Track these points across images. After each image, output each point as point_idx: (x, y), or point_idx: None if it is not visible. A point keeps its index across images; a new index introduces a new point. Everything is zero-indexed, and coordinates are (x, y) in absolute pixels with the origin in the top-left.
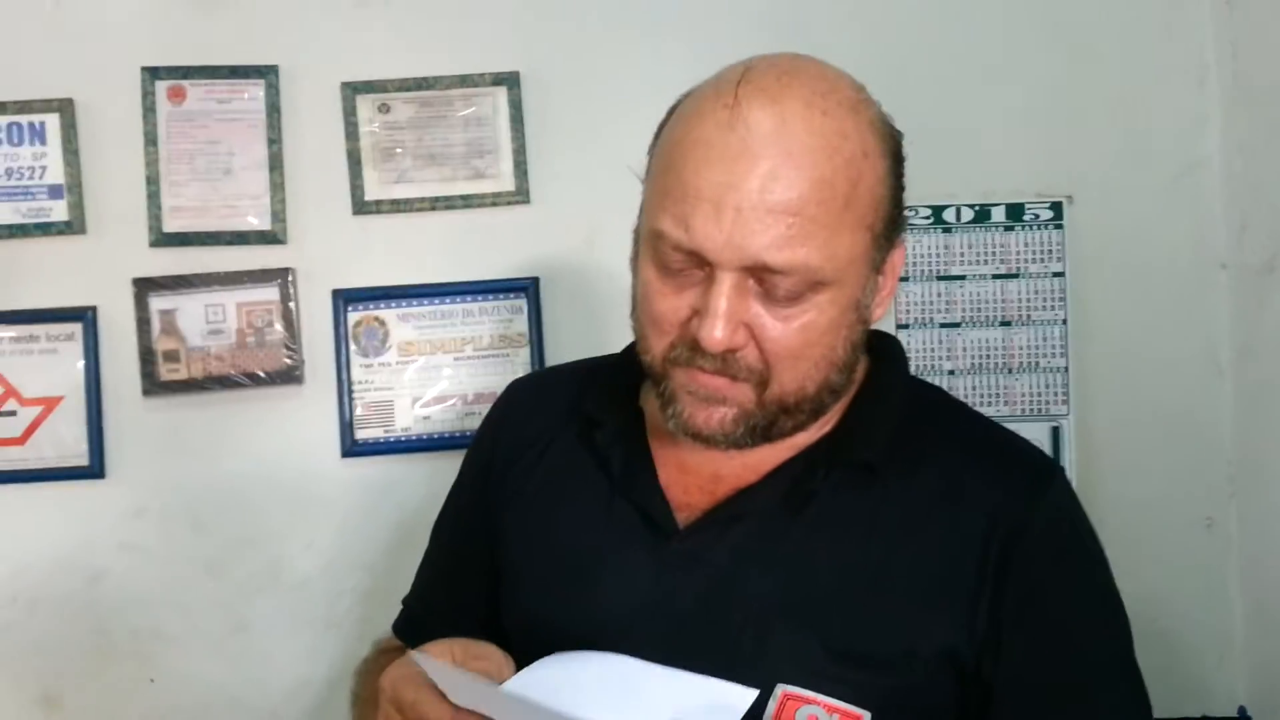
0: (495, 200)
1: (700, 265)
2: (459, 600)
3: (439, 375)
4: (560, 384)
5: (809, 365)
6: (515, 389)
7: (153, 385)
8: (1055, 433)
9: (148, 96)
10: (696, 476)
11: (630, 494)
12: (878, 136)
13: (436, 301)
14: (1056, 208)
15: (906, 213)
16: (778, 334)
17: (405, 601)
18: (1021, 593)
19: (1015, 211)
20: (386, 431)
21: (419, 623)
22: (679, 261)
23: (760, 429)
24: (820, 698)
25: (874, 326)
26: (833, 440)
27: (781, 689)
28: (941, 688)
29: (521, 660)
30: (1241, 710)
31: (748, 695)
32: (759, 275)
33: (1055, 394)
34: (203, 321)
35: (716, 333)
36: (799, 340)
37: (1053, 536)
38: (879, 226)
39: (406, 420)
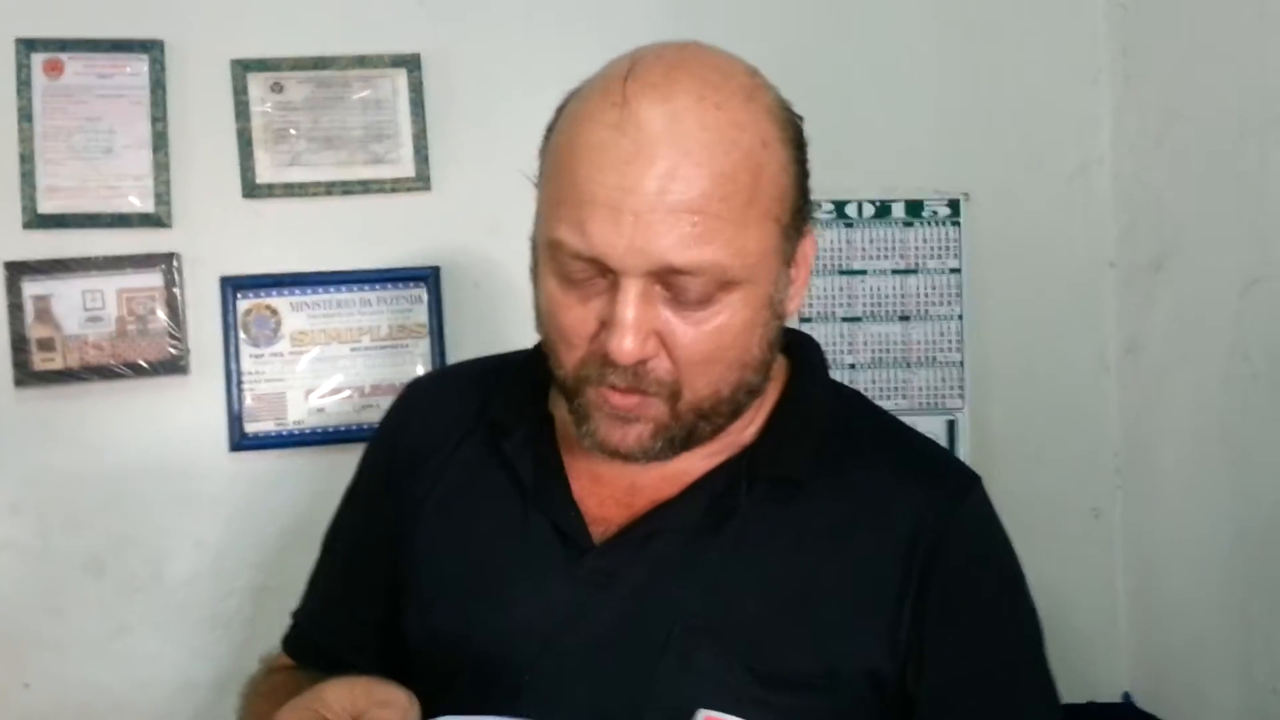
0: (394, 186)
1: (603, 273)
2: (356, 616)
3: (334, 366)
4: (464, 384)
5: (722, 369)
6: (415, 390)
7: (25, 375)
8: (951, 426)
9: (22, 70)
10: (612, 488)
11: (542, 507)
12: (776, 124)
13: (332, 290)
14: (954, 205)
15: (813, 201)
16: (689, 340)
17: (295, 616)
18: (941, 605)
19: (914, 208)
20: (278, 424)
21: (310, 640)
22: (580, 270)
23: (679, 440)
24: None
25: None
26: (755, 453)
27: (704, 714)
28: (865, 705)
29: (428, 683)
30: (1126, 696)
31: None
32: (666, 279)
33: (951, 388)
34: (80, 308)
35: (626, 344)
36: (712, 344)
37: (971, 549)
38: (786, 218)
39: (299, 413)
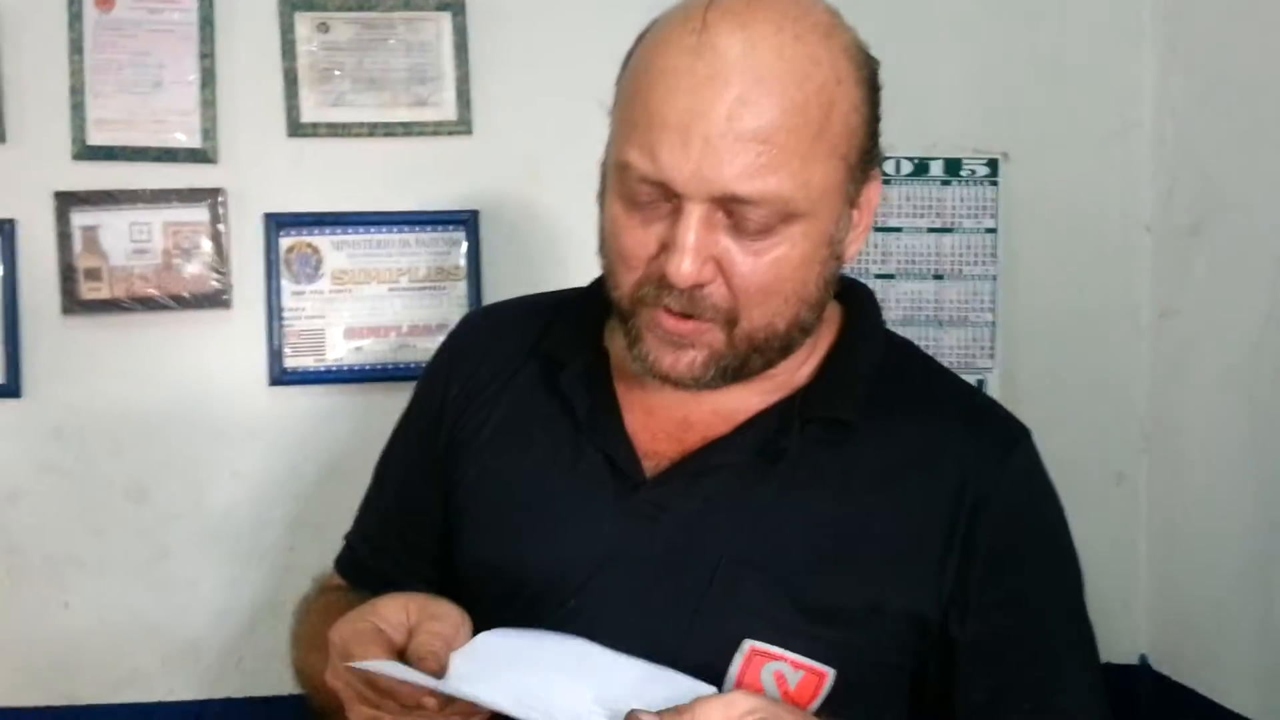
0: (436, 129)
1: (668, 197)
2: (407, 541)
3: (373, 306)
4: (520, 318)
5: (779, 301)
6: (471, 322)
7: (73, 303)
8: (980, 385)
9: (74, 3)
10: (665, 422)
11: (596, 440)
12: (852, 63)
13: (373, 230)
14: (992, 164)
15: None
16: (748, 269)
17: (348, 538)
18: (988, 555)
19: (953, 166)
20: (317, 361)
21: (363, 562)
22: (646, 194)
23: (732, 370)
24: (787, 654)
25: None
26: (807, 394)
27: (749, 644)
28: (905, 645)
29: (477, 610)
30: (1143, 658)
31: (710, 692)
32: (728, 207)
33: (982, 348)
34: (127, 240)
35: (685, 266)
36: (770, 275)
37: (1019, 500)
38: (853, 157)
39: (339, 350)
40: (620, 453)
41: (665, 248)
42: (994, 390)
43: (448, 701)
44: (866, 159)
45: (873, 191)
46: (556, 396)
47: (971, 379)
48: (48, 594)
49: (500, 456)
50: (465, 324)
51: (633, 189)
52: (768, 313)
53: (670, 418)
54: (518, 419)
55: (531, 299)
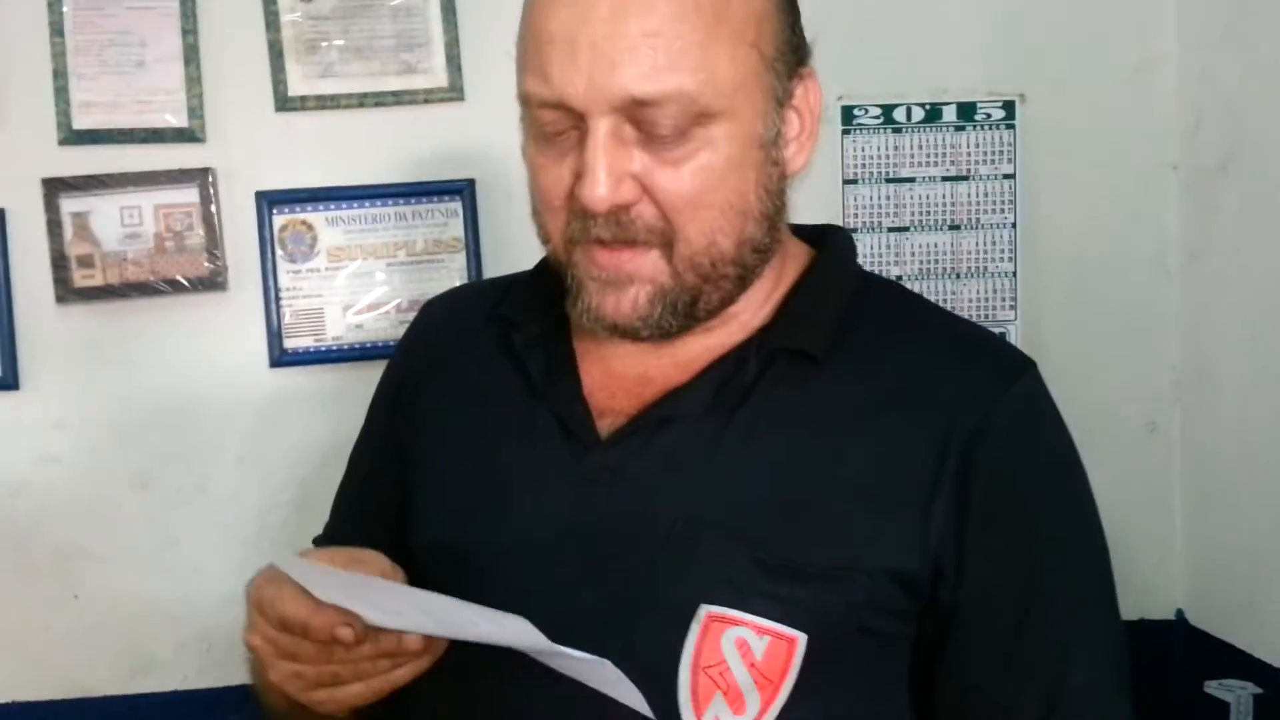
0: (428, 97)
1: (575, 123)
2: (367, 538)
3: (371, 281)
4: (477, 296)
5: (714, 214)
6: (429, 307)
7: (66, 292)
8: (1003, 338)
9: None
10: (623, 379)
11: (549, 403)
12: None
13: (367, 204)
14: (1009, 107)
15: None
16: (670, 181)
17: (315, 540)
18: (984, 502)
19: (967, 111)
20: (317, 340)
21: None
22: (552, 122)
23: (683, 305)
24: (750, 619)
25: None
26: (768, 329)
27: (706, 610)
28: (886, 607)
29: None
30: (1179, 613)
31: (604, 665)
32: (635, 117)
33: (1003, 299)
34: (118, 225)
35: (599, 189)
36: (696, 184)
37: (1020, 436)
38: (768, 48)
39: (338, 329)
40: (573, 415)
41: (579, 176)
42: (1017, 342)
43: (366, 634)
44: (788, 51)
45: (811, 93)
46: (513, 363)
47: (993, 331)
48: (57, 586)
49: (451, 431)
50: (424, 311)
51: (539, 120)
52: (705, 229)
53: (629, 375)
54: (471, 390)
55: (495, 278)
